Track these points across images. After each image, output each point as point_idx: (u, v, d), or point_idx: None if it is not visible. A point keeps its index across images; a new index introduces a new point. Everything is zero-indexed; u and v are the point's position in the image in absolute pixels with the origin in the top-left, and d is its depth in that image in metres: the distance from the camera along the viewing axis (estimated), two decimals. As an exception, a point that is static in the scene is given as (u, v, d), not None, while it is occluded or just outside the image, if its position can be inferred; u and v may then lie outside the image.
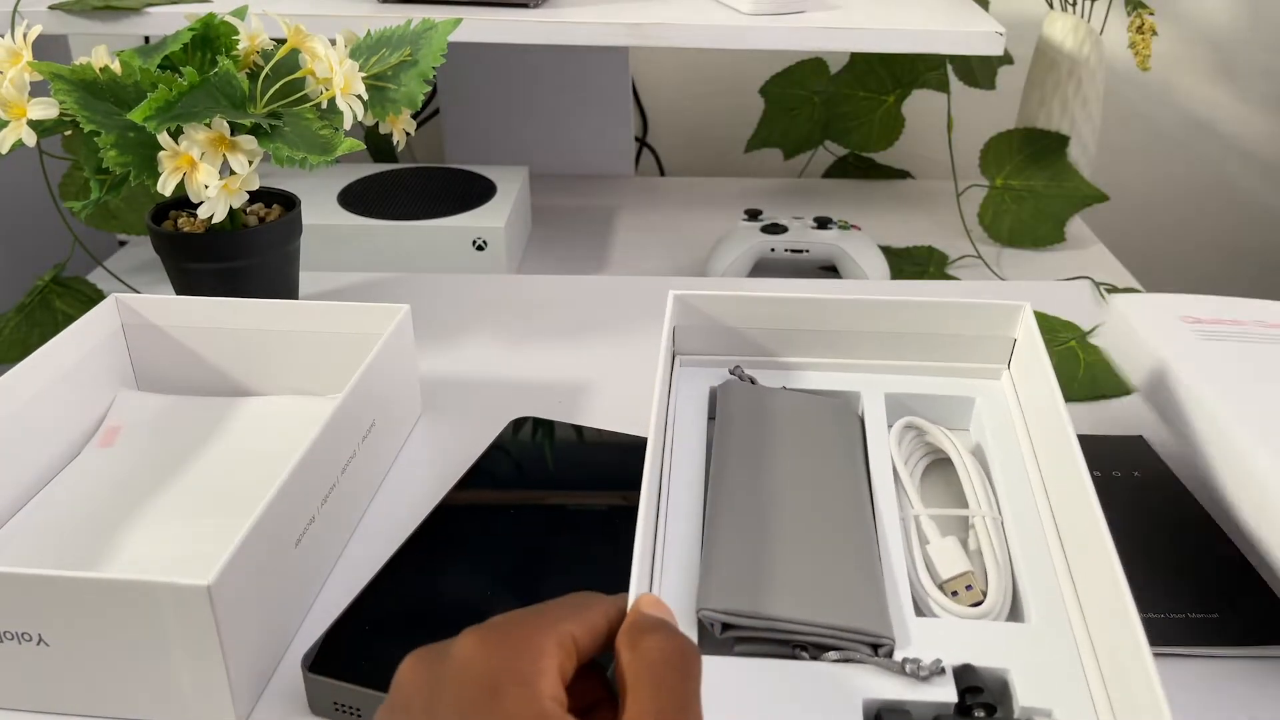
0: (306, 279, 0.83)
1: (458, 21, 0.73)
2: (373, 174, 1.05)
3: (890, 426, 0.58)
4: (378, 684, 0.45)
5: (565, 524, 0.57)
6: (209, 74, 0.62)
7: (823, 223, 0.99)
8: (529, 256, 1.06)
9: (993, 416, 0.59)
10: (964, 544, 0.51)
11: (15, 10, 0.85)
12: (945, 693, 0.42)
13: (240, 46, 0.68)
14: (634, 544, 0.41)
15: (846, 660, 0.43)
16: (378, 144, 1.23)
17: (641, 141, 1.45)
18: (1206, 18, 1.38)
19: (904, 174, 1.29)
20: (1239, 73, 1.41)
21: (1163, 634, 0.50)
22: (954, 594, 0.48)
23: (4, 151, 0.62)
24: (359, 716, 0.45)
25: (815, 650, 0.43)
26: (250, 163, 0.62)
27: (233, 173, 0.62)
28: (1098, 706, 0.41)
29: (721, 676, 0.42)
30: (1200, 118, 1.45)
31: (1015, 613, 0.47)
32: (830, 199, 1.22)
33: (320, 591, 0.53)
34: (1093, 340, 0.79)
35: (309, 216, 0.88)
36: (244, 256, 0.69)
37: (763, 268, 0.99)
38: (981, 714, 0.41)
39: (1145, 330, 0.69)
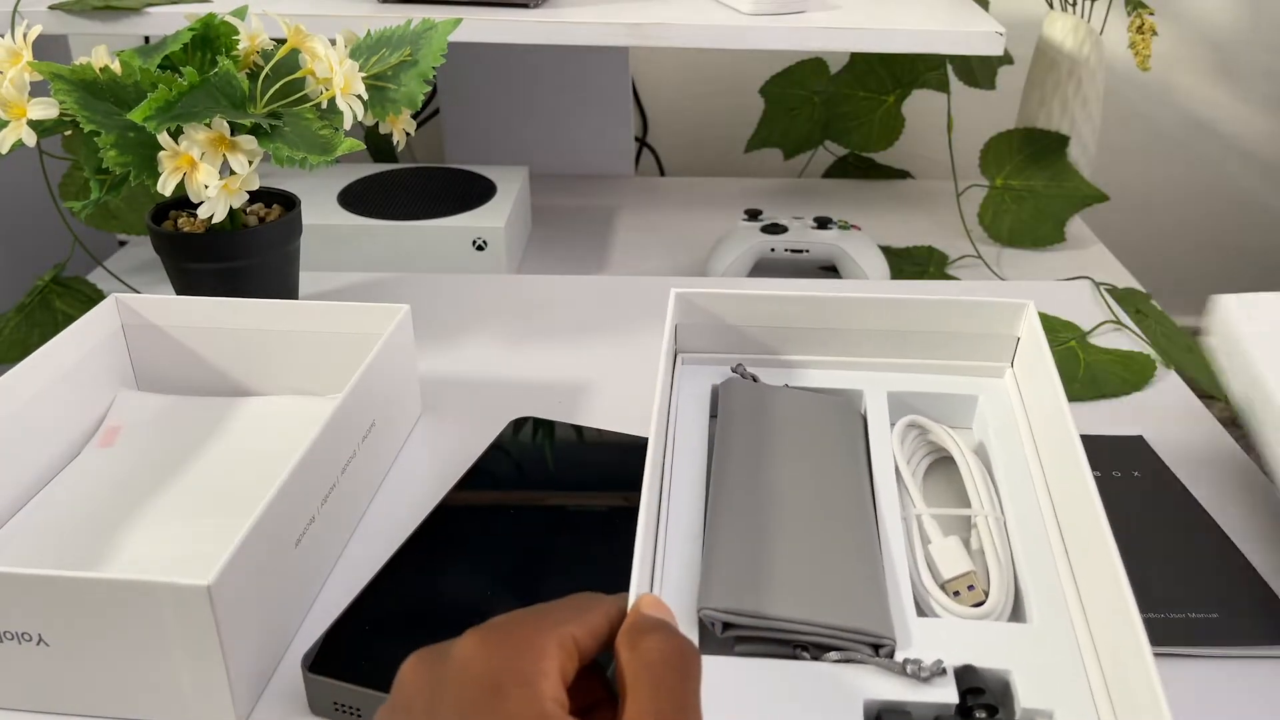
0: (306, 279, 0.83)
1: (458, 21, 0.73)
2: (373, 174, 1.05)
3: (893, 425, 0.58)
4: (378, 684, 0.45)
5: (565, 524, 0.57)
6: (209, 74, 0.62)
7: (823, 223, 0.99)
8: (529, 256, 1.06)
9: (995, 415, 0.59)
10: (966, 544, 0.51)
11: (15, 10, 0.85)
12: (946, 693, 0.41)
13: (240, 46, 0.68)
14: (634, 543, 0.41)
15: (847, 660, 0.43)
16: (378, 144, 1.23)
17: (641, 141, 1.45)
18: (1206, 18, 1.38)
19: (904, 174, 1.29)
20: (1239, 73, 1.41)
21: (1163, 634, 0.50)
22: (956, 594, 0.48)
23: (4, 151, 0.62)
24: (359, 716, 0.45)
25: (816, 650, 0.43)
26: (250, 163, 0.62)
27: (233, 173, 0.62)
28: (1099, 708, 0.41)
29: (722, 676, 0.42)
30: (1200, 118, 1.45)
31: (1017, 613, 0.47)
32: (830, 199, 1.22)
33: (320, 591, 0.53)
34: (1093, 340, 0.79)
35: (309, 216, 0.88)
36: (244, 256, 0.69)
37: (763, 268, 0.99)
38: (983, 715, 0.41)
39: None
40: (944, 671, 0.42)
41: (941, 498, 0.57)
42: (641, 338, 0.79)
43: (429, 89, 0.78)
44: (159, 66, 0.65)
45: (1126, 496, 0.60)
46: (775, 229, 0.98)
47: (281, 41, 0.68)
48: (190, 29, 0.66)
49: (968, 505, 0.54)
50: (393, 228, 0.94)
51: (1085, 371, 0.74)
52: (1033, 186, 1.07)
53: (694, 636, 0.44)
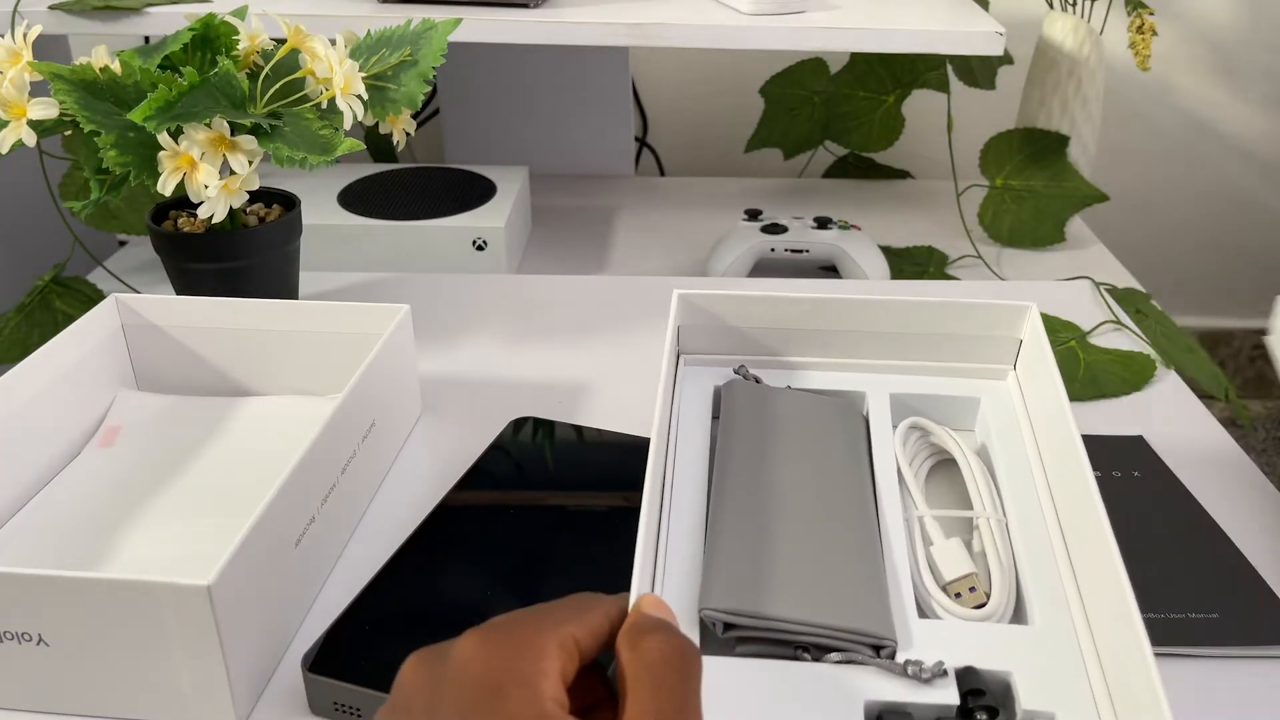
0: (306, 279, 0.82)
1: (458, 21, 0.73)
2: (373, 174, 1.05)
3: (895, 427, 0.58)
4: (378, 684, 0.45)
5: (565, 524, 0.57)
6: (209, 74, 0.62)
7: (823, 223, 0.99)
8: (529, 256, 1.06)
9: (998, 417, 0.58)
10: (968, 545, 0.51)
11: (15, 10, 0.85)
12: (947, 695, 0.41)
13: (240, 46, 0.68)
14: (635, 543, 0.41)
15: (848, 661, 0.43)
16: (378, 144, 1.23)
17: (641, 141, 1.45)
18: (1206, 18, 1.38)
19: (904, 174, 1.29)
20: (1239, 73, 1.41)
21: (1163, 634, 0.50)
22: (957, 596, 0.48)
23: (4, 151, 0.62)
24: (359, 716, 0.45)
25: (817, 651, 0.43)
26: (250, 163, 0.62)
27: (233, 173, 0.62)
28: (1100, 710, 0.41)
29: (723, 677, 0.42)
30: (1200, 118, 1.45)
31: (1019, 615, 0.47)
32: (830, 199, 1.22)
33: (320, 591, 0.53)
34: (1093, 340, 0.79)
35: (309, 216, 0.88)
36: (244, 256, 0.69)
37: (763, 268, 0.99)
38: (983, 717, 0.41)
39: None
40: (945, 673, 0.42)
41: (943, 499, 0.57)
42: (641, 338, 0.79)
43: (429, 89, 0.78)
44: (159, 66, 0.65)
45: (1126, 496, 0.60)
46: (775, 229, 0.98)
47: (281, 41, 0.68)
48: (190, 29, 0.66)
49: (969, 507, 0.54)
50: (393, 228, 0.94)
51: (1085, 371, 0.74)
52: (1033, 186, 1.07)
53: (695, 637, 0.44)
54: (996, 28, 0.85)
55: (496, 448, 0.63)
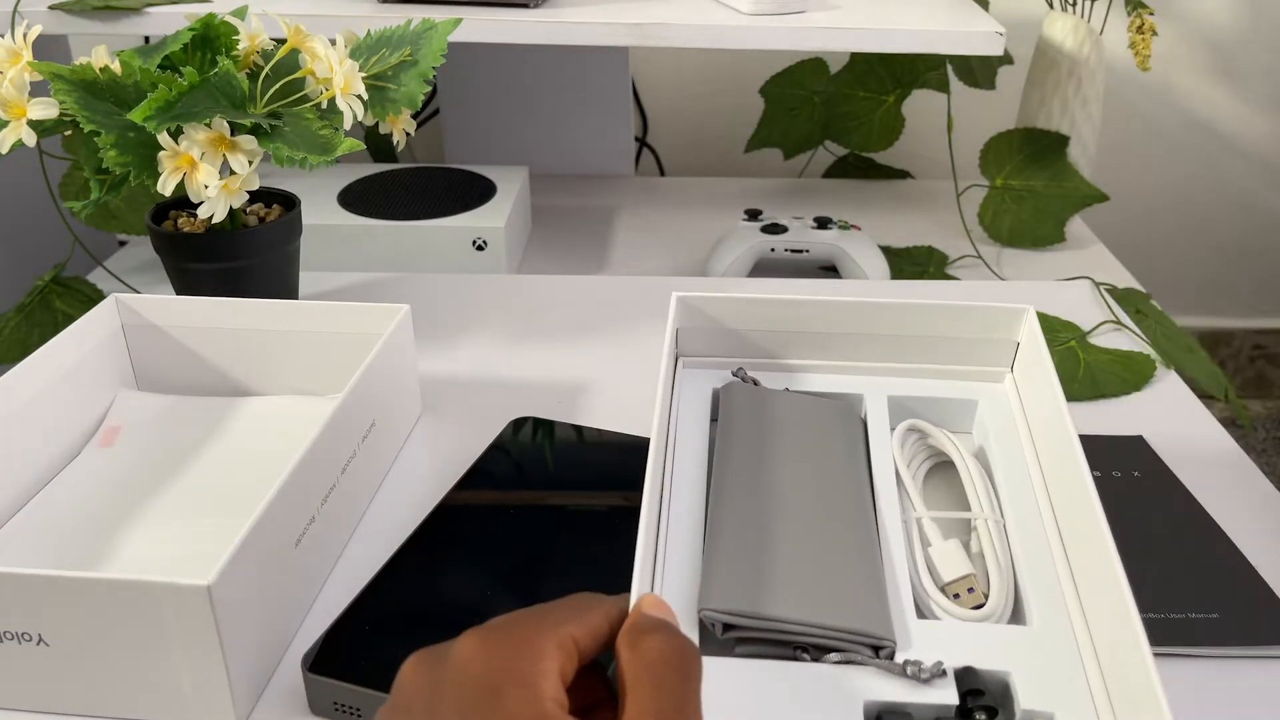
0: (306, 279, 0.83)
1: (458, 21, 0.73)
2: (373, 174, 1.05)
3: (893, 429, 0.58)
4: (378, 684, 0.45)
5: (565, 524, 0.57)
6: (209, 74, 0.62)
7: (823, 223, 0.99)
8: (529, 256, 1.06)
9: (995, 420, 0.59)
10: (966, 547, 0.51)
11: (15, 10, 0.85)
12: (946, 695, 0.42)
13: (240, 46, 0.68)
14: (635, 544, 0.41)
15: (848, 662, 0.43)
16: (378, 144, 1.23)
17: (641, 141, 1.45)
18: (1206, 18, 1.38)
19: (904, 174, 1.29)
20: (1239, 73, 1.41)
21: (1163, 634, 0.50)
22: (956, 596, 0.48)
23: (4, 151, 0.62)
24: (359, 716, 0.45)
25: (816, 652, 0.43)
26: (250, 163, 0.62)
27: (233, 173, 0.62)
28: (1099, 709, 0.41)
29: (722, 677, 0.42)
30: (1200, 118, 1.45)
31: (1017, 615, 0.47)
32: (830, 199, 1.22)
33: (320, 591, 0.53)
34: (1093, 340, 0.79)
35: (309, 216, 0.88)
36: (244, 256, 0.69)
37: (763, 268, 0.99)
38: (982, 717, 0.41)
39: None
40: (944, 673, 0.42)
41: (942, 501, 0.57)
42: (641, 338, 0.79)
43: (429, 89, 0.78)
44: (159, 66, 0.65)
45: (1126, 496, 0.60)
46: (775, 229, 0.98)
47: (281, 41, 0.68)
48: (190, 29, 0.66)
49: (967, 509, 0.54)
50: (393, 228, 0.94)
51: (1085, 371, 0.74)
52: (1033, 186, 1.07)
53: (694, 637, 0.44)
54: (996, 28, 0.85)
55: (496, 448, 0.63)
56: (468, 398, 0.70)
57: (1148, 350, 0.77)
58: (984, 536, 0.51)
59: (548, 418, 0.67)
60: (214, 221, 0.63)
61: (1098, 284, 0.87)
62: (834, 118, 1.21)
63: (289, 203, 0.75)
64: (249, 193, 0.64)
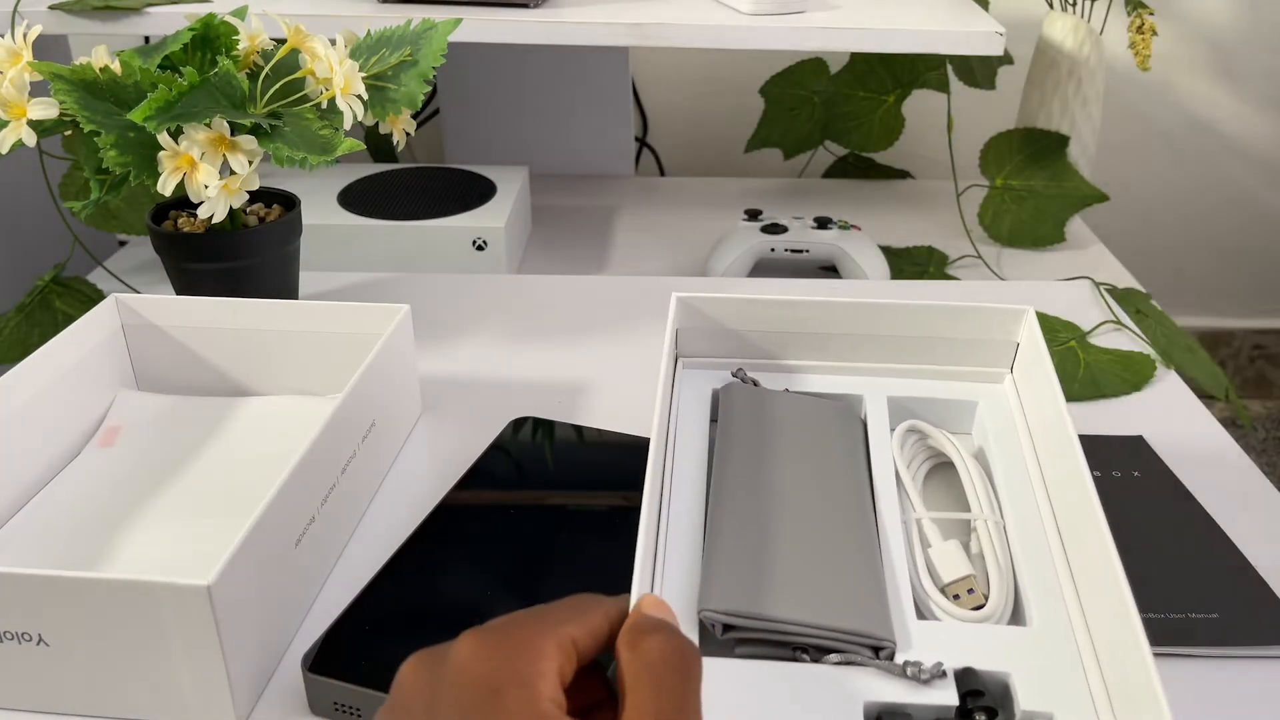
0: (306, 279, 0.82)
1: (458, 21, 0.73)
2: (373, 174, 1.05)
3: (892, 430, 0.58)
4: (378, 684, 0.45)
5: (565, 524, 0.57)
6: (209, 74, 0.62)
7: (823, 223, 0.99)
8: (529, 256, 1.06)
9: (995, 420, 0.59)
10: (966, 547, 0.51)
11: (15, 10, 0.85)
12: (946, 696, 0.42)
13: (240, 46, 0.68)
14: (635, 544, 0.41)
15: (848, 663, 0.43)
16: (378, 144, 1.23)
17: (641, 141, 1.45)
18: (1206, 18, 1.38)
19: (904, 174, 1.29)
20: (1239, 73, 1.41)
21: (1163, 634, 0.50)
22: (955, 597, 0.48)
23: (4, 151, 0.62)
24: (359, 716, 0.45)
25: (816, 652, 0.43)
26: (250, 163, 0.62)
27: (233, 173, 0.62)
28: (1099, 710, 0.41)
29: (722, 678, 0.42)
30: (1200, 118, 1.45)
31: (1017, 616, 0.47)
32: (830, 199, 1.22)
33: (320, 591, 0.53)
34: (1093, 340, 0.79)
35: (309, 216, 0.88)
36: (244, 256, 0.69)
37: (763, 268, 0.99)
38: (982, 717, 0.41)
39: None
40: (944, 674, 0.42)
41: (941, 502, 0.57)
42: (641, 338, 0.79)
43: (429, 89, 0.78)
44: (159, 66, 0.65)
45: (1126, 496, 0.60)
46: (775, 229, 0.98)
47: (281, 41, 0.68)
48: (190, 29, 0.66)
49: (967, 509, 0.54)
50: (393, 228, 0.94)
51: (1085, 371, 0.74)
52: (1033, 186, 1.07)
53: (694, 638, 0.44)
54: (996, 28, 0.85)
55: (496, 448, 0.63)
56: (468, 398, 0.70)
57: (1148, 350, 0.77)
58: (984, 537, 0.51)
59: (548, 418, 0.67)
60: (214, 221, 0.63)
61: (1098, 284, 0.87)
62: (834, 118, 1.21)
63: (289, 203, 0.75)
64: (249, 193, 0.64)
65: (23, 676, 0.45)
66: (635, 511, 0.43)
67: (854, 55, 1.17)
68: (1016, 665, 0.43)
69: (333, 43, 0.67)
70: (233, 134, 0.62)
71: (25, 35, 0.63)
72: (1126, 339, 0.80)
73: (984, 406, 0.60)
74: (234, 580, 0.43)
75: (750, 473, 0.53)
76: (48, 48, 1.01)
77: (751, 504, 0.50)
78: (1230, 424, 1.53)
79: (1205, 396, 0.76)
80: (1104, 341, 0.79)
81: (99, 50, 0.64)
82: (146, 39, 0.92)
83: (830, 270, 1.00)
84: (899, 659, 0.43)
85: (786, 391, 0.60)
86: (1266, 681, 0.48)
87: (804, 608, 0.44)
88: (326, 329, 0.64)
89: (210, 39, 0.67)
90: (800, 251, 0.98)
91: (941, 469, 0.59)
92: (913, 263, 1.02)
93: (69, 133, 0.65)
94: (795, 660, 0.43)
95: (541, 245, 1.08)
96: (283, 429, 0.63)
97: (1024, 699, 0.42)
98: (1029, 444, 0.56)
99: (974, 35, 0.85)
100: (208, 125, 0.61)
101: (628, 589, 0.38)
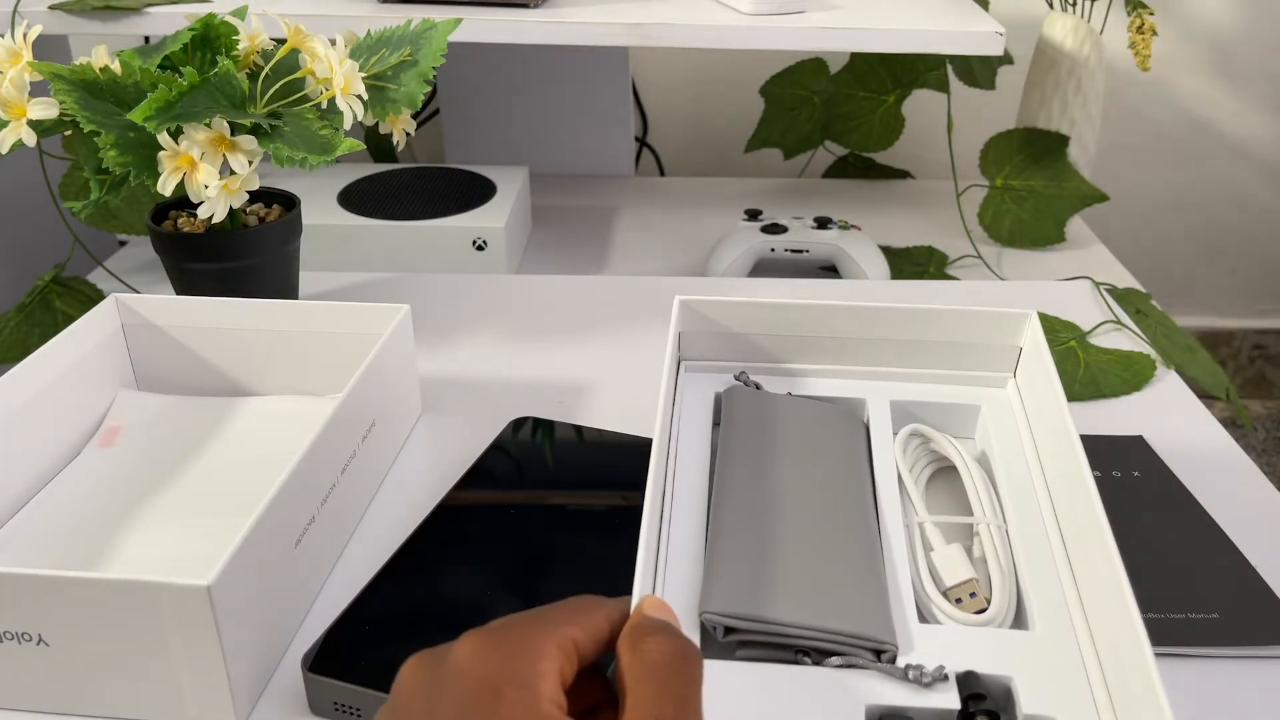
0: (306, 279, 0.82)
1: (458, 21, 0.73)
2: (373, 174, 1.05)
3: (895, 434, 0.58)
4: (378, 684, 0.45)
5: (565, 524, 0.57)
6: (209, 74, 0.62)
7: (823, 223, 0.99)
8: (529, 256, 1.06)
9: (998, 425, 0.58)
10: (968, 551, 0.51)
11: (15, 10, 0.85)
12: (948, 699, 0.41)
13: (240, 46, 0.68)
14: (635, 545, 0.41)
15: (849, 666, 0.43)
16: (378, 144, 1.23)
17: (641, 141, 1.45)
18: (1206, 18, 1.38)
19: (904, 174, 1.29)
20: (1239, 73, 1.41)
21: (1163, 634, 0.50)
22: (958, 601, 0.48)
23: (4, 151, 0.62)
24: (359, 716, 0.45)
25: (818, 655, 0.43)
26: (250, 163, 0.62)
27: (233, 173, 0.62)
28: (1101, 713, 0.41)
29: (724, 680, 0.42)
30: (1200, 118, 1.45)
31: (1020, 620, 0.47)
32: (830, 199, 1.22)
33: (320, 591, 0.53)
34: (1093, 340, 0.79)
35: (309, 216, 0.88)
36: (244, 256, 0.69)
37: (763, 268, 0.99)
38: (983, 720, 0.41)
39: None
40: (946, 677, 0.42)
41: (944, 506, 0.57)
42: (641, 338, 0.79)
43: (429, 89, 0.78)
44: (159, 66, 0.65)
45: (1126, 497, 0.60)
46: (775, 229, 0.98)
47: (281, 41, 0.68)
48: (190, 29, 0.66)
49: (970, 513, 0.54)
50: (393, 228, 0.94)
51: (1085, 371, 0.74)
52: (1033, 186, 1.07)
53: (696, 640, 0.44)
54: (996, 28, 0.85)
55: (496, 448, 0.63)
56: (468, 398, 0.70)
57: (1148, 350, 0.77)
58: (986, 541, 0.51)
59: (548, 418, 0.67)
60: (214, 221, 0.63)
61: (1098, 284, 0.87)
62: (834, 118, 1.21)
63: (289, 203, 0.75)
64: (249, 193, 0.64)
65: (23, 676, 0.45)
66: (635, 512, 0.43)
67: (854, 55, 1.17)
68: (1019, 669, 0.43)
69: (333, 43, 0.67)
70: (233, 134, 0.62)
71: (25, 35, 0.63)
72: (1126, 339, 0.80)
73: (987, 411, 0.60)
74: (234, 580, 0.43)
75: (752, 475, 0.52)
76: (48, 48, 1.01)
77: (753, 506, 0.50)
78: (1230, 424, 1.53)
79: (1205, 396, 0.76)
80: (1104, 341, 0.79)
81: (99, 50, 0.64)
82: (146, 39, 0.92)
83: (830, 270, 1.00)
84: (901, 662, 0.43)
85: (789, 395, 0.60)
86: (1266, 681, 0.48)
87: (805, 610, 0.44)
88: (326, 329, 0.64)
89: (210, 39, 0.67)
90: (800, 251, 0.98)
91: (944, 473, 0.59)
92: (913, 263, 1.02)
93: (69, 133, 0.65)
94: (797, 663, 0.43)
95: (541, 245, 1.08)
96: (283, 429, 0.63)
97: (1026, 703, 0.42)
98: (1032, 448, 0.56)
99: (974, 35, 0.85)
100: (208, 125, 0.61)
101: (628, 589, 0.38)
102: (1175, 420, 0.69)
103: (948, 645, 0.44)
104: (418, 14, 0.75)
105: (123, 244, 1.05)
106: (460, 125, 1.26)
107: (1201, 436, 0.68)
